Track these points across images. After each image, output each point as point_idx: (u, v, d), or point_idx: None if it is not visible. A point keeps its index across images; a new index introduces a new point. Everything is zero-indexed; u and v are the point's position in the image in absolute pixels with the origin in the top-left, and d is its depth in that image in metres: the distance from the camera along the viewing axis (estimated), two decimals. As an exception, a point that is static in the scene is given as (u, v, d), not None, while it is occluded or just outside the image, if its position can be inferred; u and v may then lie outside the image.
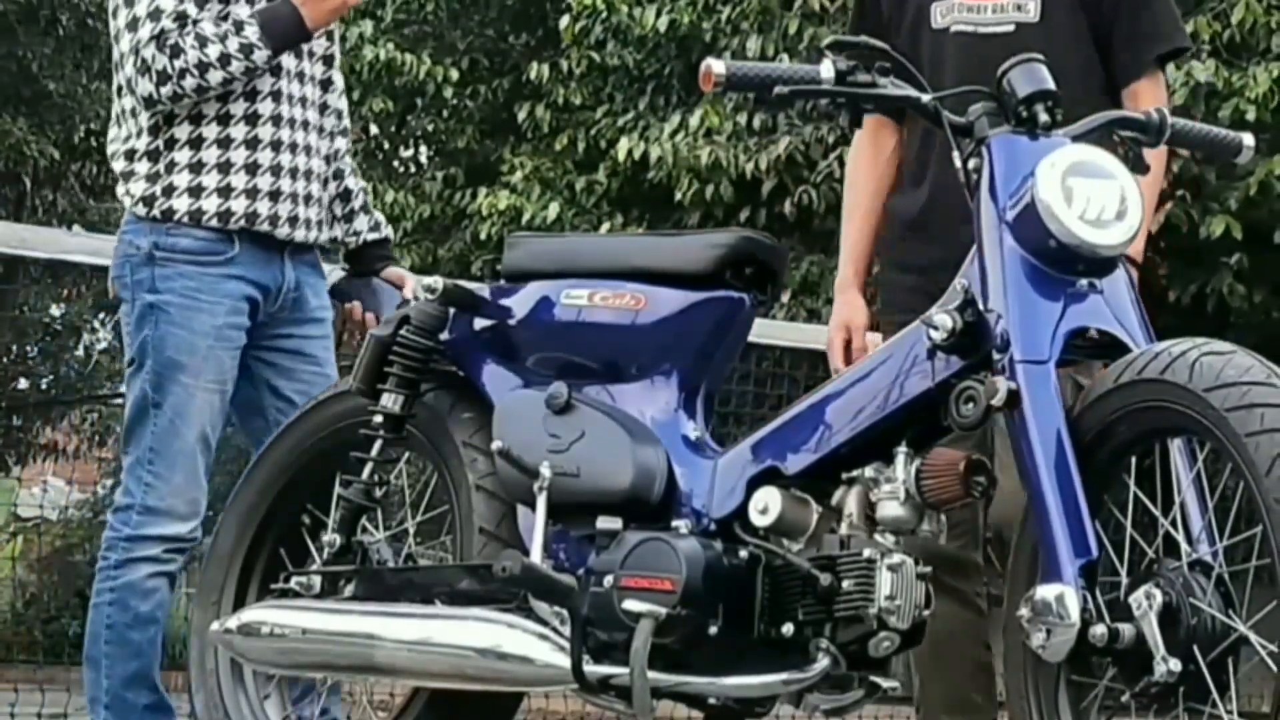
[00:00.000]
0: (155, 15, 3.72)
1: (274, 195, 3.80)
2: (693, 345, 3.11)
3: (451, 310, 3.29)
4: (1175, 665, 2.49)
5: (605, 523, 3.00)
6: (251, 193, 3.78)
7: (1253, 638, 2.50)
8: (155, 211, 3.78)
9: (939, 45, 3.46)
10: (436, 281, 3.28)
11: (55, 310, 18.14)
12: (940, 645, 3.38)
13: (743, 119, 10.91)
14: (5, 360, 17.10)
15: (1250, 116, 8.90)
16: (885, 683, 2.90)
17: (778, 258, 3.18)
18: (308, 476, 3.46)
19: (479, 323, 3.30)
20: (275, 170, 3.81)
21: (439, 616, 3.10)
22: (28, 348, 17.80)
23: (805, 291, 10.76)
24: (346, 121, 4.08)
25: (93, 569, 3.96)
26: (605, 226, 11.54)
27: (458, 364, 3.33)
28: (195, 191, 3.77)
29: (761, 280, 3.13)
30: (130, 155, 3.82)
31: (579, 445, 3.05)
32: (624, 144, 11.19)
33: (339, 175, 4.01)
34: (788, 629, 2.84)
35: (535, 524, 3.02)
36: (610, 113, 12.08)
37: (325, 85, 3.96)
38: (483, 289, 3.36)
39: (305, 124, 3.88)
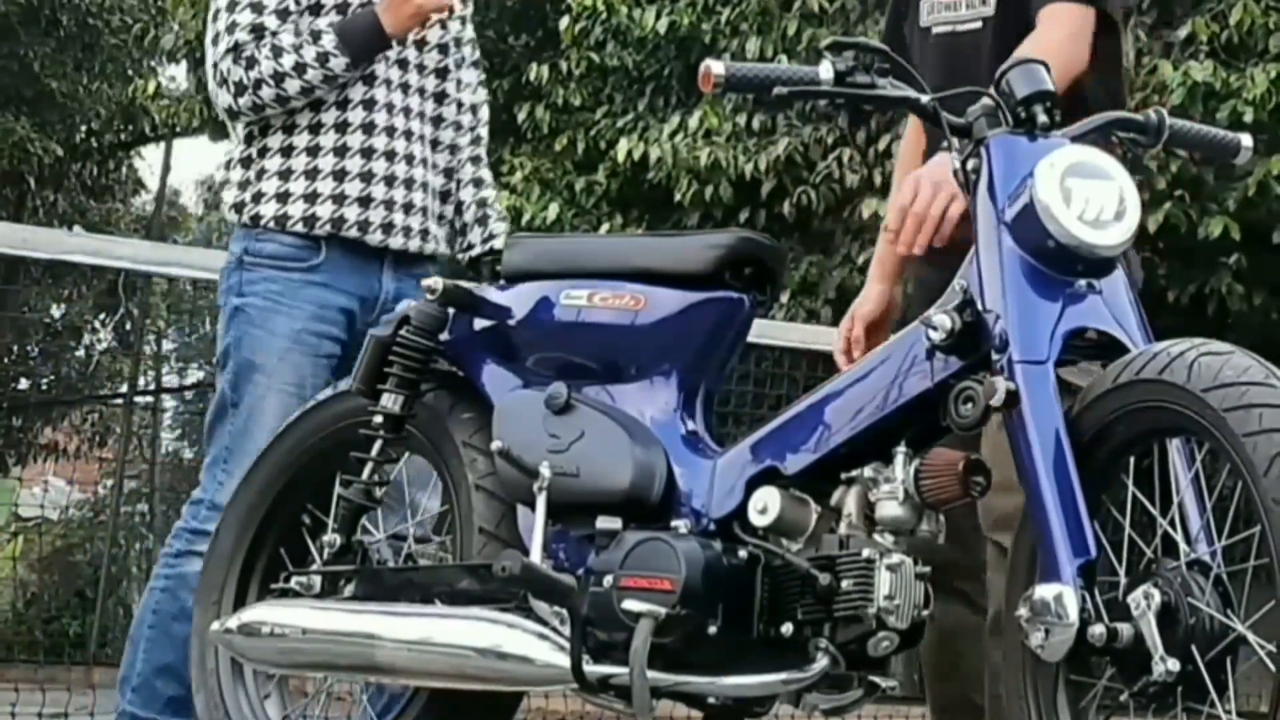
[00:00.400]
0: (232, 29, 3.82)
1: (364, 201, 3.84)
2: (692, 346, 3.11)
3: (451, 310, 3.30)
4: (1174, 665, 2.49)
5: (605, 523, 3.00)
6: (338, 198, 3.83)
7: (1251, 637, 2.50)
8: (245, 217, 3.87)
9: (924, 44, 3.47)
10: (436, 282, 3.29)
11: (56, 310, 18.14)
12: (947, 647, 3.39)
13: (742, 120, 10.91)
14: (6, 360, 17.09)
15: (1248, 118, 8.89)
16: (884, 682, 2.90)
17: (777, 258, 3.18)
18: (308, 476, 3.46)
19: (479, 323, 3.30)
20: (366, 177, 3.84)
21: (439, 616, 3.10)
22: (29, 348, 17.80)
23: (804, 292, 10.76)
24: (481, 132, 4.09)
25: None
26: (605, 227, 11.53)
27: (457, 364, 3.33)
28: (282, 197, 3.84)
29: (761, 281, 3.13)
30: (229, 165, 3.93)
31: (578, 445, 3.06)
32: (623, 145, 11.19)
33: (461, 186, 4.04)
34: (787, 629, 2.84)
35: (535, 524, 3.02)
36: (610, 114, 12.07)
37: (439, 98, 3.97)
38: (483, 289, 3.36)
39: (408, 134, 3.90)
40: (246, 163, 3.89)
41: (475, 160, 4.10)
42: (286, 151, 3.85)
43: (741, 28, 11.02)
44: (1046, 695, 2.69)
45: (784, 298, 10.55)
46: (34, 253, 6.15)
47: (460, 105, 4.05)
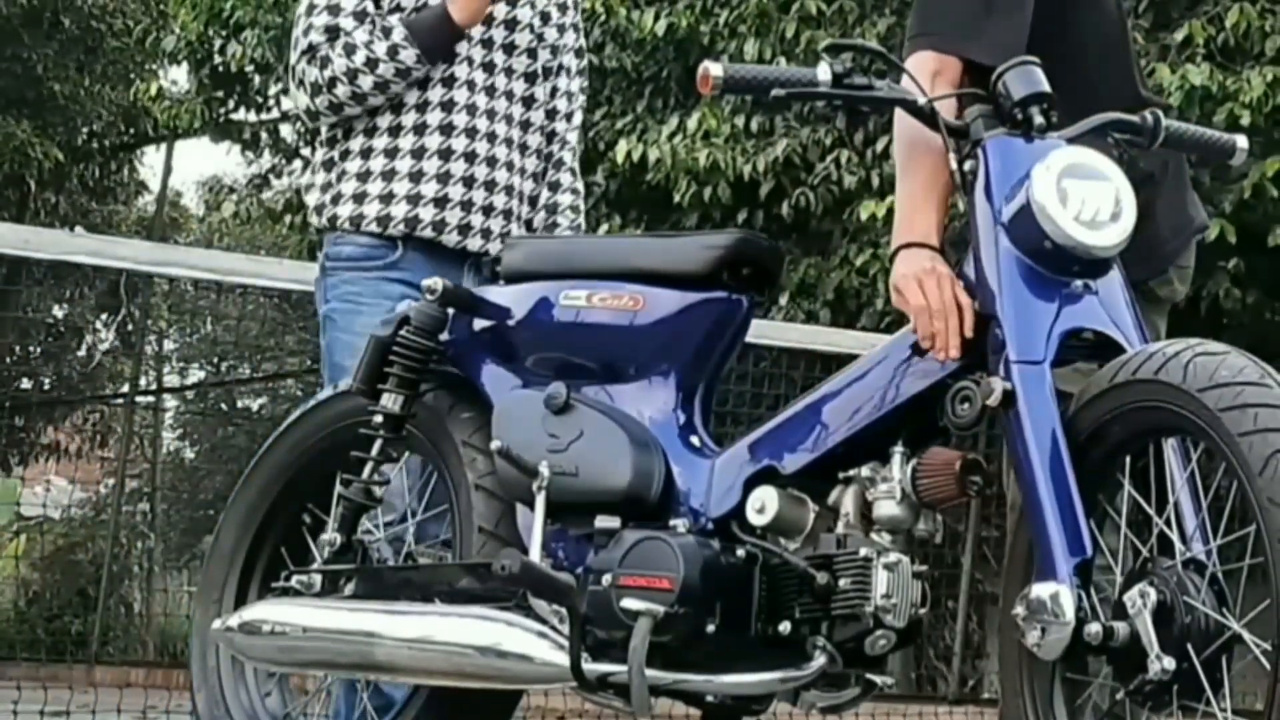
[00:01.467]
0: (308, 32, 3.84)
1: (439, 202, 3.81)
2: (690, 346, 3.12)
3: (451, 311, 3.31)
4: (1170, 663, 2.50)
5: (603, 522, 3.02)
6: (413, 199, 3.80)
7: (1246, 636, 2.52)
8: (323, 220, 3.87)
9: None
10: (436, 282, 3.30)
11: (58, 311, 18.15)
12: None
13: (740, 121, 10.91)
14: (8, 361, 17.09)
15: (1245, 120, 8.88)
16: (881, 680, 2.91)
17: (775, 259, 3.19)
18: (308, 476, 3.47)
19: (478, 323, 3.32)
20: (443, 178, 3.81)
21: (439, 615, 3.12)
22: (31, 348, 17.81)
23: (802, 293, 10.76)
24: (570, 137, 4.04)
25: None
26: (604, 228, 11.53)
27: (457, 364, 3.34)
28: (359, 198, 3.82)
29: (759, 281, 3.15)
30: (312, 169, 3.93)
31: (577, 445, 3.07)
32: (622, 146, 11.18)
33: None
34: (785, 627, 2.86)
35: (534, 523, 3.03)
36: (609, 115, 12.07)
37: (528, 102, 3.95)
38: (482, 290, 3.38)
39: (491, 136, 3.87)
40: (328, 166, 3.89)
41: (559, 164, 4.05)
42: (366, 154, 3.85)
43: (740, 30, 11.01)
44: (1043, 693, 2.70)
45: (782, 299, 10.56)
46: (36, 253, 6.17)
47: (554, 112, 4.03)
